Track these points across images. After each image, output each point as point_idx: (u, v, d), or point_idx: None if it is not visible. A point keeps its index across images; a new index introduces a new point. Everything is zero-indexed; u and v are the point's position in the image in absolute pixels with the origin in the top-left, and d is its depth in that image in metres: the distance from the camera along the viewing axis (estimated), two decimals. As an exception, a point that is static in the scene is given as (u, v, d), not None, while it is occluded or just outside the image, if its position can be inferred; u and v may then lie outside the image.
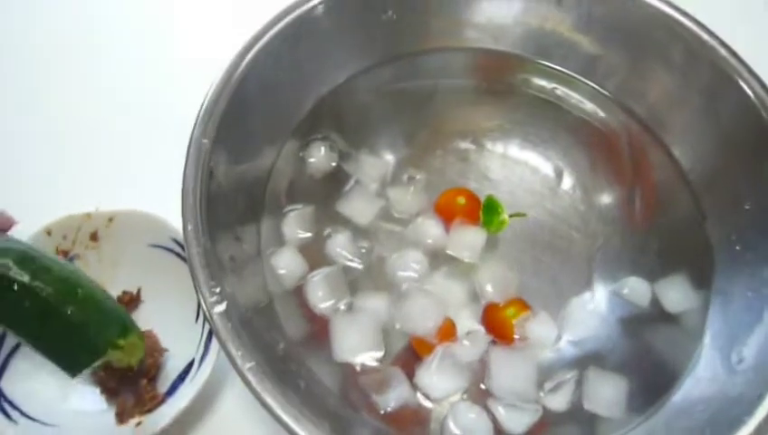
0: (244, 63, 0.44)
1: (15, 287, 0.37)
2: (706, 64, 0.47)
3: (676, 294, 0.46)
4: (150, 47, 0.62)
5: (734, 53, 0.46)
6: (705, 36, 0.47)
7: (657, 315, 0.45)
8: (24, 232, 0.45)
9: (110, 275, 0.47)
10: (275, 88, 0.47)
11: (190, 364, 0.44)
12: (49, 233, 0.46)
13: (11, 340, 0.44)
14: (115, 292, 0.47)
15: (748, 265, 0.44)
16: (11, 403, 0.42)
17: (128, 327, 0.42)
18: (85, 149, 0.56)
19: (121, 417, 0.43)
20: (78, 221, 0.47)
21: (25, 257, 0.38)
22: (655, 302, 0.46)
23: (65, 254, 0.47)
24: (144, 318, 0.46)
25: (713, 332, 0.44)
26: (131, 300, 0.47)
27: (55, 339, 0.40)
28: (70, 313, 0.39)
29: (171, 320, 0.46)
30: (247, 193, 0.46)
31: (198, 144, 0.42)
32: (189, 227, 0.39)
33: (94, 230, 0.47)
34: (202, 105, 0.43)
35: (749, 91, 0.45)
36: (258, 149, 0.47)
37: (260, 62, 0.45)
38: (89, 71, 0.60)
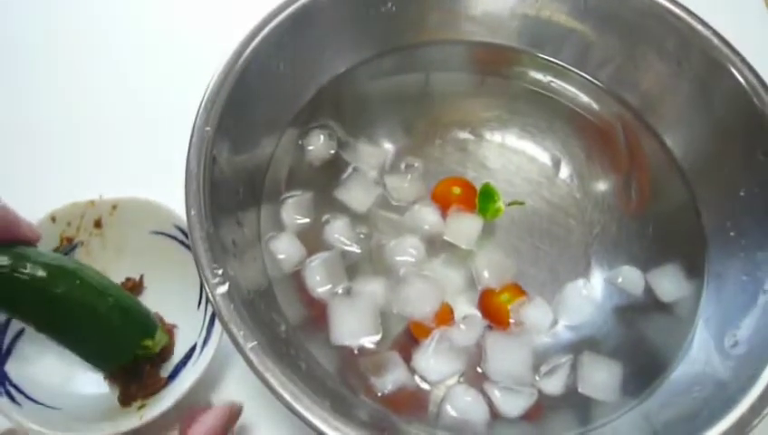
0: (246, 53, 0.45)
1: (52, 298, 0.39)
2: (699, 53, 0.48)
3: (669, 283, 0.46)
4: (153, 37, 0.63)
5: (725, 42, 0.47)
6: (698, 25, 0.48)
7: (652, 301, 0.46)
8: (29, 219, 0.45)
9: (113, 262, 0.48)
10: (277, 77, 0.48)
11: (192, 349, 0.45)
12: (53, 220, 0.47)
13: (15, 325, 0.45)
14: (118, 278, 0.48)
15: (743, 249, 0.45)
16: (16, 387, 0.42)
17: (154, 327, 0.43)
18: (89, 138, 0.57)
19: (125, 400, 0.44)
20: (82, 208, 0.47)
21: (59, 269, 0.40)
22: (648, 290, 0.46)
23: (70, 241, 0.47)
24: (147, 304, 0.47)
25: (706, 316, 0.45)
26: (134, 286, 0.48)
27: (89, 343, 0.41)
28: (103, 319, 0.41)
29: (174, 306, 0.47)
30: (248, 179, 0.46)
31: (201, 132, 0.42)
32: (193, 212, 0.40)
33: (98, 217, 0.48)
34: (205, 94, 0.44)
35: (741, 79, 0.46)
36: (259, 136, 0.48)
37: (262, 52, 0.46)
38: (92, 60, 0.61)
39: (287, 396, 0.35)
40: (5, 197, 0.49)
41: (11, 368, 0.43)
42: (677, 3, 0.49)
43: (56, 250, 0.47)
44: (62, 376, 0.45)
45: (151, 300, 0.48)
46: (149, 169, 0.52)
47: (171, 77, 0.59)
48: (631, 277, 0.46)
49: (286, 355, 0.39)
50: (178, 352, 0.46)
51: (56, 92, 0.59)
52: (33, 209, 0.46)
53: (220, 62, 0.45)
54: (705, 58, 0.48)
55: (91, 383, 0.45)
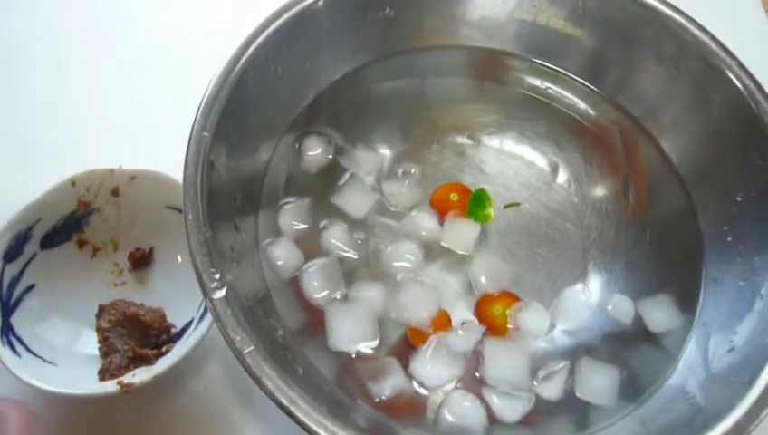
0: (244, 58, 0.45)
1: None
2: (696, 58, 0.48)
3: (662, 313, 0.45)
4: (150, 42, 0.64)
5: (723, 47, 0.47)
6: (696, 30, 0.48)
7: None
8: (49, 181, 0.47)
9: (126, 231, 0.50)
10: (274, 82, 0.48)
11: (189, 324, 0.45)
12: (73, 184, 0.48)
13: (26, 279, 0.46)
14: (129, 248, 0.49)
15: (740, 254, 0.45)
16: (19, 339, 0.44)
17: None
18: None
19: (103, 376, 0.44)
20: (101, 176, 0.48)
21: None
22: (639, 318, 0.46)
23: (86, 205, 0.49)
24: (153, 276, 0.49)
25: (703, 321, 0.45)
26: (143, 257, 0.49)
27: None
28: None
29: (178, 279, 0.48)
30: (246, 185, 0.46)
31: (199, 137, 0.42)
32: (190, 217, 0.40)
33: (116, 186, 0.49)
34: (202, 99, 0.43)
35: (738, 84, 0.46)
36: (257, 142, 0.48)
37: (260, 57, 0.46)
38: (92, 61, 0.62)
39: (284, 400, 0.35)
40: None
41: (17, 320, 0.44)
42: (675, 8, 0.49)
43: (73, 214, 0.48)
44: (67, 335, 0.46)
45: (158, 272, 0.49)
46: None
47: (169, 82, 0.59)
48: (622, 306, 0.46)
49: (283, 360, 0.39)
50: (175, 328, 0.47)
51: (57, 92, 0.60)
52: (55, 172, 0.48)
53: (218, 67, 0.44)
54: (702, 63, 0.48)
55: (92, 345, 0.45)
